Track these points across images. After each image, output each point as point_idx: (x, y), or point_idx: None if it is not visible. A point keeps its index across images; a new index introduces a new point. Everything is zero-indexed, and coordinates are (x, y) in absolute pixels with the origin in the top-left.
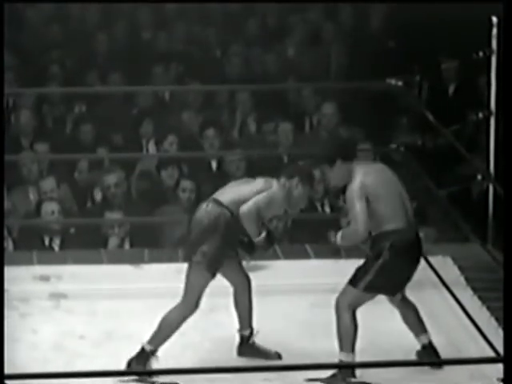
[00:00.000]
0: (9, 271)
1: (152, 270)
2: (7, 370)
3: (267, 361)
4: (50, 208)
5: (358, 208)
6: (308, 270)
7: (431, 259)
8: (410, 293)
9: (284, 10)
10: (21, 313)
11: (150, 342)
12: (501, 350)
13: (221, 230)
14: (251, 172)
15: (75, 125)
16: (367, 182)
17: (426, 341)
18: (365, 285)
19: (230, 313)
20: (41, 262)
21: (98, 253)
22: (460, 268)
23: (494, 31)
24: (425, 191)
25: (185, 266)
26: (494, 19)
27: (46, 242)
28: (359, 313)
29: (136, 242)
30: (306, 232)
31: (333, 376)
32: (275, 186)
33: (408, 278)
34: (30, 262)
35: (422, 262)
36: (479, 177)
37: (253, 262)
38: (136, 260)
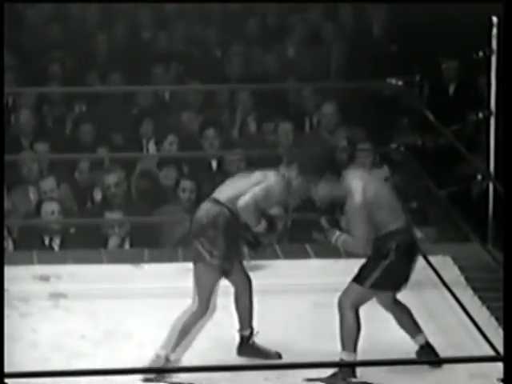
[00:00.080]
0: (9, 271)
1: (152, 269)
2: (7, 370)
3: (267, 360)
4: (50, 208)
5: (361, 229)
6: (308, 269)
7: (431, 259)
8: (410, 293)
9: (284, 9)
10: (21, 312)
11: (163, 346)
12: (501, 349)
13: (222, 228)
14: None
15: (75, 125)
16: (367, 193)
17: (422, 341)
18: (371, 283)
19: (230, 313)
20: (41, 261)
21: (98, 253)
22: (460, 268)
23: (494, 31)
24: (425, 191)
25: (185, 265)
26: (494, 19)
27: (46, 241)
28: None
29: (136, 242)
30: (305, 232)
31: (333, 375)
32: (272, 177)
33: (409, 275)
34: (30, 262)
35: (422, 261)
36: (479, 177)
37: (253, 262)
38: (136, 260)
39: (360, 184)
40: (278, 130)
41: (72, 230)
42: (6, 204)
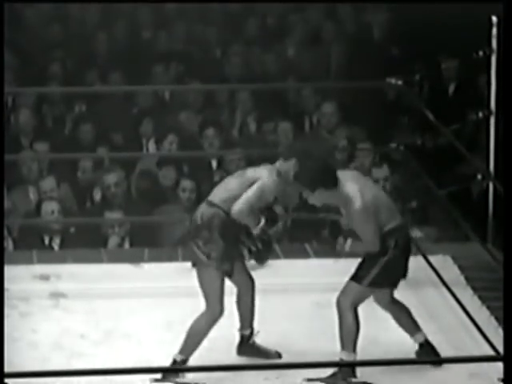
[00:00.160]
0: (9, 270)
1: (152, 269)
2: (7, 370)
3: (267, 360)
4: (50, 207)
5: (371, 230)
6: (308, 269)
7: (431, 258)
8: (410, 292)
9: (284, 9)
10: (21, 312)
11: (180, 352)
12: (501, 349)
13: (217, 229)
14: None
15: (75, 124)
16: (365, 196)
17: (422, 339)
18: (370, 281)
19: (230, 312)
20: (41, 261)
21: (98, 252)
22: (460, 267)
23: (494, 31)
24: (425, 190)
25: (184, 265)
26: (494, 19)
27: (46, 241)
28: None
29: (136, 242)
30: (305, 231)
31: (333, 375)
32: (265, 174)
33: (406, 272)
34: (29, 262)
35: (422, 261)
36: (479, 176)
37: (252, 261)
38: (136, 259)
39: (356, 188)
40: (278, 129)
41: (72, 230)
42: (6, 203)
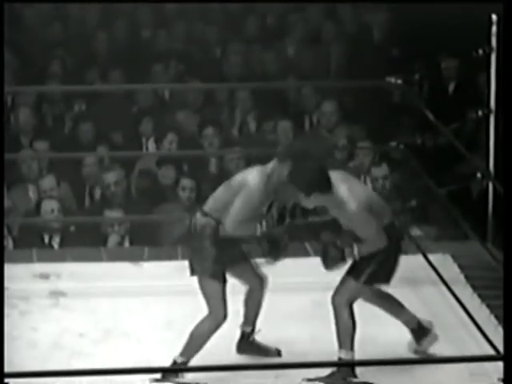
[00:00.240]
0: (8, 269)
1: (152, 267)
2: (7, 369)
3: (267, 358)
4: (50, 206)
5: (371, 229)
6: (307, 267)
7: (431, 257)
8: (410, 290)
9: (284, 8)
10: (20, 311)
11: (181, 354)
12: (501, 348)
13: (208, 239)
14: None
15: (75, 123)
16: (359, 197)
17: (409, 315)
18: (366, 277)
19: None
20: (40, 260)
21: (98, 251)
22: (460, 266)
23: (494, 29)
24: (424, 189)
25: (184, 263)
26: (494, 17)
27: (46, 240)
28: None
29: (136, 240)
30: (305, 232)
31: (332, 374)
32: (251, 178)
33: (397, 267)
34: (29, 260)
35: (422, 259)
36: (479, 175)
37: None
38: (136, 258)
39: (348, 189)
40: (278, 128)
41: (72, 229)
42: (6, 202)
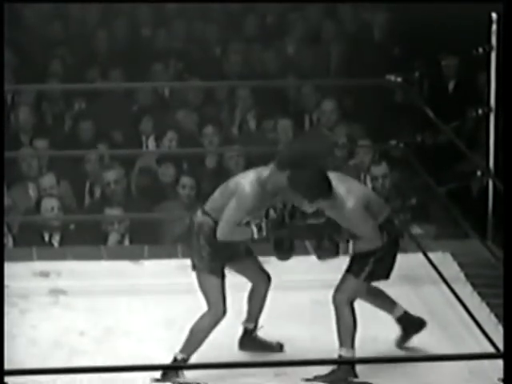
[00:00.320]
0: (9, 267)
1: (152, 266)
2: (7, 367)
3: (270, 353)
4: (50, 204)
5: (368, 227)
6: (307, 266)
7: (431, 255)
8: (410, 289)
9: (283, 7)
10: (20, 309)
11: (181, 351)
12: (500, 346)
13: (205, 237)
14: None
15: (75, 121)
16: (356, 196)
17: (401, 311)
18: (366, 274)
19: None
20: (40, 258)
21: (98, 249)
22: (460, 264)
23: (494, 27)
24: (424, 188)
25: (184, 262)
26: (494, 15)
27: (46, 238)
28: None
29: (136, 239)
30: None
31: (332, 373)
32: (244, 183)
33: (395, 263)
34: (29, 258)
35: (422, 258)
36: (479, 173)
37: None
38: (136, 256)
39: (344, 188)
40: (278, 127)
41: (72, 227)
42: (6, 200)
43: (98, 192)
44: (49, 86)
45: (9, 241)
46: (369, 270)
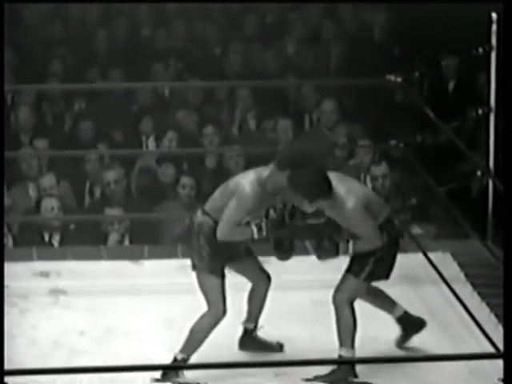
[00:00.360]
0: (8, 267)
1: (152, 266)
2: (6, 367)
3: (270, 353)
4: (50, 204)
5: (368, 228)
6: (307, 266)
7: (431, 255)
8: (410, 289)
9: (283, 6)
10: (20, 309)
11: (181, 350)
12: (500, 346)
13: (204, 237)
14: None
15: (75, 121)
16: (356, 196)
17: (401, 311)
18: (367, 274)
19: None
20: (40, 258)
21: (98, 249)
22: (460, 264)
23: (494, 27)
24: (424, 188)
25: (184, 262)
26: (494, 15)
27: (46, 238)
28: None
29: (136, 239)
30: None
31: (332, 373)
32: (244, 183)
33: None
34: (29, 258)
35: (422, 258)
36: (479, 173)
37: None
38: (136, 256)
39: (345, 189)
40: (278, 127)
41: (72, 227)
42: (6, 200)
43: (97, 192)
44: (49, 86)
45: (9, 241)
46: (369, 270)
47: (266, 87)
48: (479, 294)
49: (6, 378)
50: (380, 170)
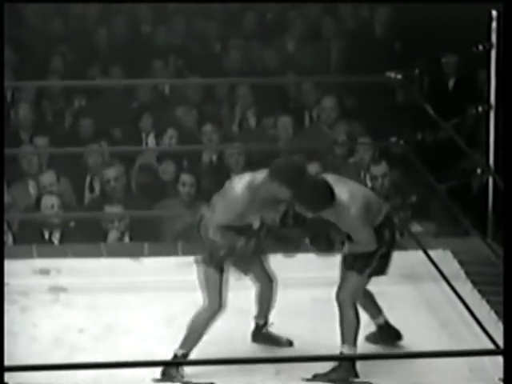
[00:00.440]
0: (9, 265)
1: (152, 263)
2: (7, 364)
3: (279, 348)
4: (50, 202)
5: (365, 233)
6: (308, 263)
7: (431, 253)
8: (410, 286)
9: (283, 4)
10: (21, 306)
11: (181, 346)
12: (500, 343)
13: (205, 232)
14: (251, 167)
15: (75, 119)
16: (358, 201)
17: (382, 321)
18: (370, 271)
19: (234, 306)
20: (41, 255)
21: (98, 246)
22: (460, 262)
23: (494, 25)
24: (424, 185)
25: (184, 259)
26: (494, 13)
27: (46, 235)
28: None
29: (136, 236)
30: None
31: (332, 370)
32: (235, 189)
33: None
34: (29, 256)
35: (422, 255)
36: (479, 171)
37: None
38: (136, 254)
39: (346, 193)
40: (278, 124)
41: (72, 224)
42: (6, 198)
43: (98, 189)
44: (49, 83)
45: (9, 238)
46: (373, 266)
47: (266, 84)
48: (479, 291)
49: (6, 377)
50: (379, 169)
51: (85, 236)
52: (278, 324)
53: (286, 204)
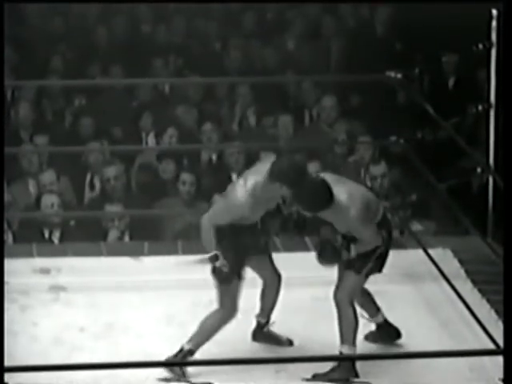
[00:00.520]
0: (9, 264)
1: (152, 262)
2: (7, 363)
3: (279, 347)
4: (50, 201)
5: (368, 231)
6: (308, 262)
7: (431, 252)
8: (410, 285)
9: (283, 3)
10: (21, 305)
11: (189, 341)
12: (501, 342)
13: (216, 238)
14: (251, 166)
15: (75, 118)
16: (357, 201)
17: (381, 319)
18: (368, 270)
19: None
20: (41, 254)
21: (98, 245)
22: (460, 261)
23: (494, 24)
24: (424, 184)
25: (184, 258)
26: (494, 12)
27: (46, 234)
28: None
29: (136, 235)
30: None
31: (332, 370)
32: (235, 192)
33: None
34: (29, 255)
35: (422, 254)
36: (479, 170)
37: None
38: (136, 253)
39: (346, 194)
40: (278, 123)
41: (72, 223)
42: (6, 197)
43: (98, 188)
44: (49, 82)
45: (9, 237)
46: (371, 265)
47: (266, 83)
48: (479, 290)
49: (6, 378)
50: (379, 169)
51: (85, 235)
52: (278, 323)
53: (287, 205)
